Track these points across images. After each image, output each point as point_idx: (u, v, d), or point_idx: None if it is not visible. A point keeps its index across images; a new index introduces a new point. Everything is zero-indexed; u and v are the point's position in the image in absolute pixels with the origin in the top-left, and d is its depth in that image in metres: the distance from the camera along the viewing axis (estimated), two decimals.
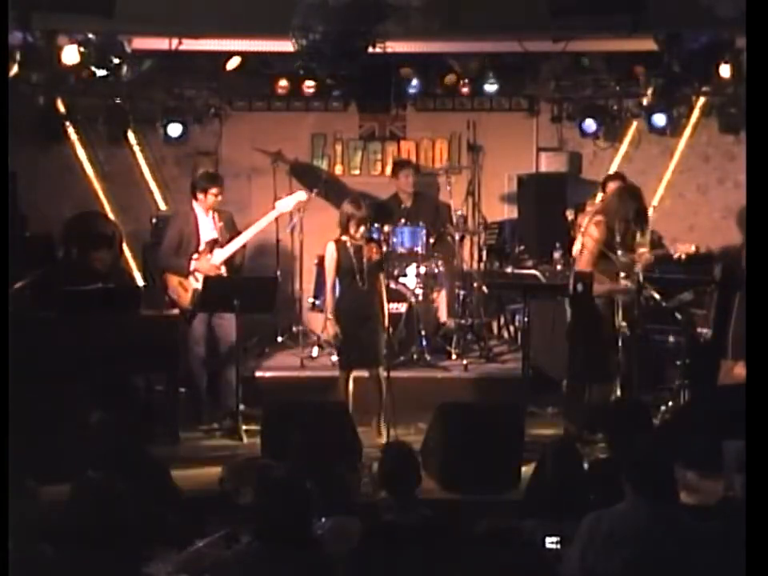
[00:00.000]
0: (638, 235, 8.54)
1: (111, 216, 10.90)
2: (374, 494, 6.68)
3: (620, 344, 8.39)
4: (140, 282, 10.65)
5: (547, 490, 6.39)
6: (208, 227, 9.07)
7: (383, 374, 8.36)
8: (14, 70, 8.88)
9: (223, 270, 9.06)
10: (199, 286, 8.82)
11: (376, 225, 9.67)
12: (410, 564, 5.15)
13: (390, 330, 8.68)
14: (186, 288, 8.95)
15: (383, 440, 8.23)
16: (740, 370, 8.12)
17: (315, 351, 10.06)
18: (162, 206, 11.11)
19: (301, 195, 9.42)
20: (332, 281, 8.47)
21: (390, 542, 5.25)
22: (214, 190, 9.03)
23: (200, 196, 9.03)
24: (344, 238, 8.32)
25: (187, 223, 9.06)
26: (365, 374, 8.46)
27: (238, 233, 9.14)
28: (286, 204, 9.25)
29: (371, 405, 8.45)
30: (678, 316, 9.09)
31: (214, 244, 9.03)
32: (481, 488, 7.34)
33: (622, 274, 8.53)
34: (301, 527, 4.86)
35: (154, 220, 10.75)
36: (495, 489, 7.35)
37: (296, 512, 4.87)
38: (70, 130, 10.94)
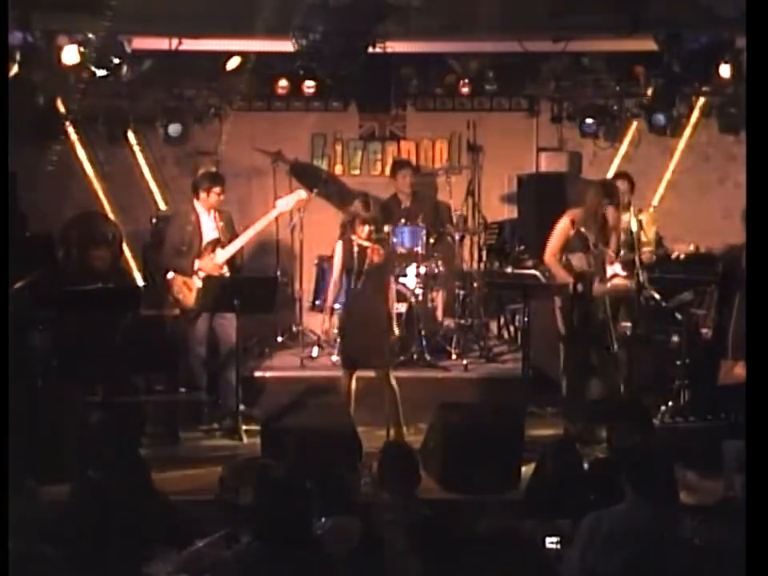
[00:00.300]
0: (614, 234, 8.61)
1: (111, 216, 10.90)
2: (374, 494, 6.68)
3: (619, 344, 8.41)
4: (140, 282, 10.66)
5: (547, 490, 6.39)
6: (210, 227, 9.07)
7: (392, 376, 8.32)
8: (14, 69, 8.88)
9: (225, 270, 9.07)
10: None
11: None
12: (410, 564, 5.16)
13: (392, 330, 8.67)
14: (190, 287, 8.95)
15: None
16: (740, 370, 8.13)
17: (315, 351, 10.06)
18: (162, 206, 11.11)
19: (301, 194, 9.43)
20: (336, 279, 8.47)
21: (390, 542, 5.25)
22: (216, 189, 9.04)
23: (202, 195, 9.03)
24: (353, 237, 8.32)
25: (190, 223, 9.07)
26: (365, 374, 8.46)
27: (236, 233, 9.15)
28: (286, 203, 9.26)
29: (379, 407, 8.39)
30: (678, 316, 9.09)
31: (216, 243, 9.04)
32: (481, 488, 7.35)
33: (623, 273, 8.57)
34: (301, 527, 4.86)
35: (153, 220, 10.76)
36: (495, 489, 7.36)
37: (296, 512, 4.87)
38: (70, 130, 10.94)
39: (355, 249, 8.33)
